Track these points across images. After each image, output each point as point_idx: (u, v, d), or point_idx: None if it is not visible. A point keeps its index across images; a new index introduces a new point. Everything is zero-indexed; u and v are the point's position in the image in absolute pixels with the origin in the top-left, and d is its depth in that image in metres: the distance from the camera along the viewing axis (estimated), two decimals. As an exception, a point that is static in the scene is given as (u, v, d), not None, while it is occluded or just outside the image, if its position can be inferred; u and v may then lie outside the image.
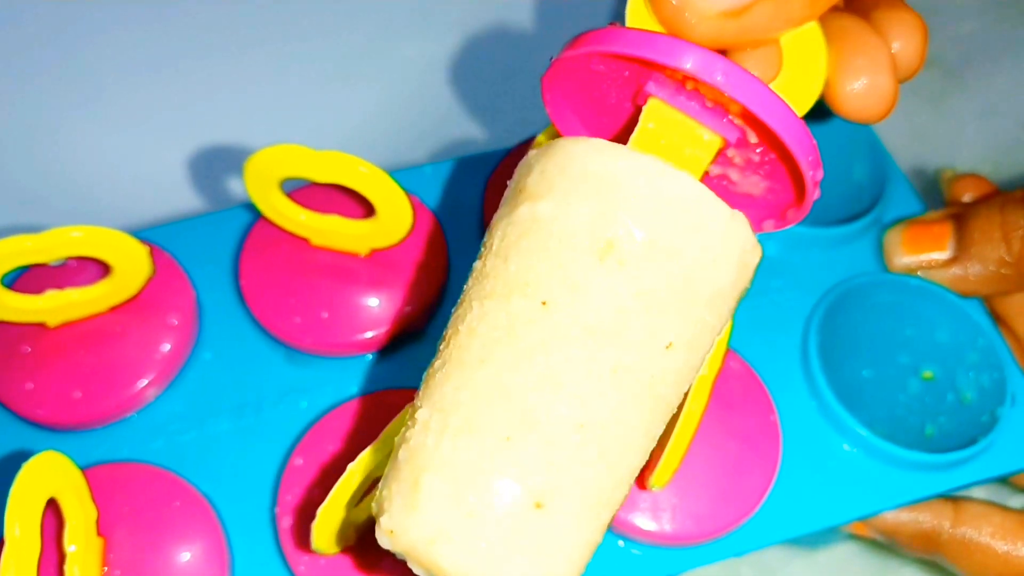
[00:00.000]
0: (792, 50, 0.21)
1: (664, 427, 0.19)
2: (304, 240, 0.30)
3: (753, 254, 0.19)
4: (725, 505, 0.27)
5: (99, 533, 0.25)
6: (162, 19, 0.42)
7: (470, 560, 0.17)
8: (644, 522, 0.27)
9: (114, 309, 0.29)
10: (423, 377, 0.19)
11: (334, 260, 0.30)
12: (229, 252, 0.31)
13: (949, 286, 0.32)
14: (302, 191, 0.31)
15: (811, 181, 0.20)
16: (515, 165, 0.21)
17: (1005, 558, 0.30)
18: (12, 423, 0.28)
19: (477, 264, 0.19)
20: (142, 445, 0.28)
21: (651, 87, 0.20)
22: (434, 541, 0.17)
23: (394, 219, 0.28)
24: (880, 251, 0.33)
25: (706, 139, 0.20)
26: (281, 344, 0.30)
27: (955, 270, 0.32)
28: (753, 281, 0.20)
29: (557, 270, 0.18)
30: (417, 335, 0.30)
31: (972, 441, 0.29)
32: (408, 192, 0.28)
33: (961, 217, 0.32)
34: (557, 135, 0.24)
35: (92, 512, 0.25)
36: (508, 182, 0.20)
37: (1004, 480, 0.32)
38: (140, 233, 0.30)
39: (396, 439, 0.19)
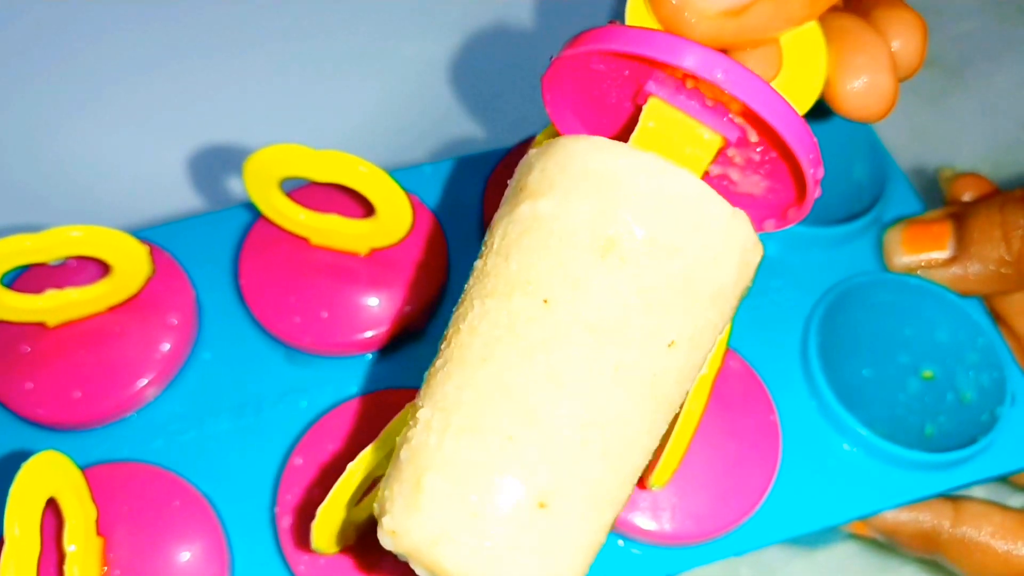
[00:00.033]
0: (792, 50, 0.21)
1: (667, 426, 0.19)
2: (304, 240, 0.30)
3: (754, 252, 0.19)
4: (725, 505, 0.27)
5: (99, 533, 0.25)
6: (162, 19, 0.42)
7: (473, 561, 0.17)
8: (644, 521, 0.27)
9: (114, 309, 0.29)
10: (424, 376, 0.19)
11: (334, 260, 0.30)
12: (229, 252, 0.31)
13: (949, 285, 0.32)
14: (302, 191, 0.31)
15: (812, 179, 0.20)
16: (515, 164, 0.21)
17: (1005, 557, 0.30)
18: (12, 423, 0.28)
19: (478, 263, 0.19)
20: (142, 445, 0.28)
21: (651, 86, 0.20)
22: (437, 542, 0.17)
23: (394, 219, 0.28)
24: (880, 250, 0.33)
25: (706, 138, 0.20)
26: (281, 344, 0.30)
27: (955, 269, 0.32)
28: (753, 280, 0.20)
29: (558, 268, 0.18)
30: (417, 335, 0.30)
31: (972, 440, 0.29)
32: (408, 192, 0.28)
33: (961, 216, 0.32)
34: (557, 134, 0.24)
35: (92, 512, 0.25)
36: (509, 181, 0.20)
37: (1004, 479, 0.32)
38: (140, 233, 0.30)
39: (398, 439, 0.19)
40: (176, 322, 0.29)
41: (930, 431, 0.30)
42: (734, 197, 0.23)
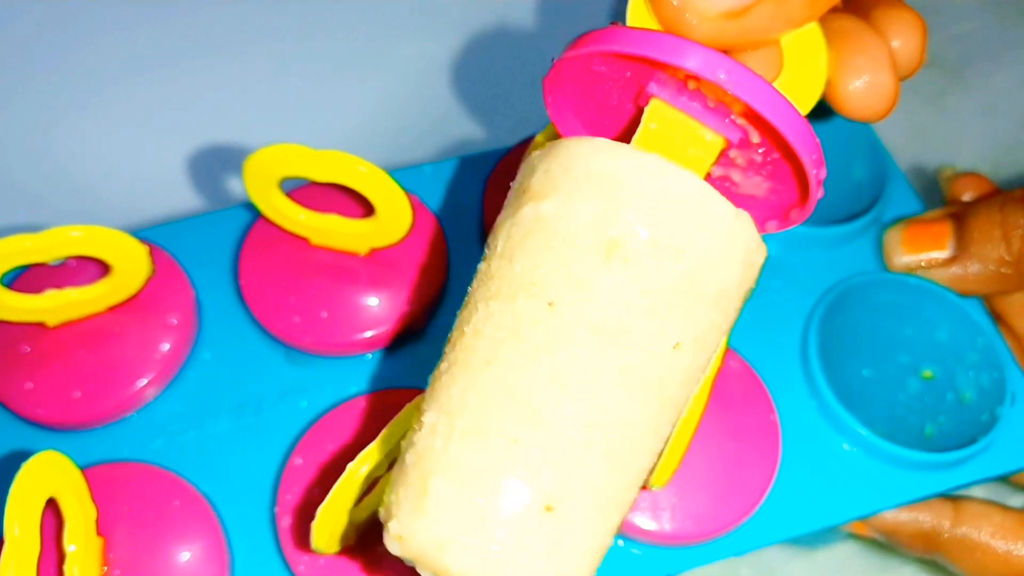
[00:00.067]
0: (792, 51, 0.21)
1: (673, 428, 0.19)
2: (303, 240, 0.30)
3: (758, 253, 0.19)
4: (725, 505, 0.27)
5: (99, 533, 0.25)
6: (162, 19, 0.42)
7: (481, 564, 0.17)
8: (644, 521, 0.27)
9: (113, 309, 0.29)
10: (429, 380, 0.19)
11: (334, 259, 0.30)
12: (229, 252, 0.31)
13: (949, 285, 0.32)
14: (301, 190, 0.30)
15: (815, 180, 0.20)
16: (515, 165, 0.20)
17: (1005, 557, 0.30)
18: (12, 423, 0.28)
19: (482, 266, 0.19)
20: (142, 445, 0.28)
21: (653, 88, 0.20)
22: (444, 546, 0.17)
23: (394, 218, 0.28)
24: (880, 250, 0.33)
25: (709, 139, 0.20)
26: (281, 344, 0.30)
27: (955, 269, 0.32)
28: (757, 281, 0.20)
29: (562, 270, 0.18)
30: (417, 335, 0.30)
31: (972, 440, 0.29)
32: (408, 192, 0.28)
33: (961, 216, 0.32)
34: (556, 134, 0.24)
35: (92, 512, 0.25)
36: (511, 183, 0.20)
37: (1004, 479, 0.32)
38: (140, 233, 0.30)
39: (403, 443, 0.19)
40: (176, 322, 0.29)
41: (930, 431, 0.30)
42: (736, 198, 0.23)
